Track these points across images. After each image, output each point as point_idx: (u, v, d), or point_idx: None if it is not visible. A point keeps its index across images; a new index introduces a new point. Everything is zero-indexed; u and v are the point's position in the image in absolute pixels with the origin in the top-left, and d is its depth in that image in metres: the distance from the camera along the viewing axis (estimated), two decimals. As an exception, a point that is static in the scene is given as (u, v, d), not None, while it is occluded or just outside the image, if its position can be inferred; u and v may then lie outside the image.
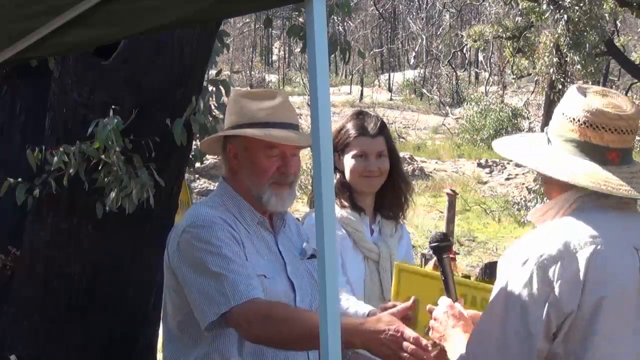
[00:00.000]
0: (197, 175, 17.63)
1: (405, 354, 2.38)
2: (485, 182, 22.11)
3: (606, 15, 19.27)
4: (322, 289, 2.02)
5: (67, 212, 4.54)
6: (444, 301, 2.49)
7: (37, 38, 2.63)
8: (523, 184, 20.34)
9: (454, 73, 40.55)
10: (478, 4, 35.18)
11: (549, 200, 2.34)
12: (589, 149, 2.24)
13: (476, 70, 45.54)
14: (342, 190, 3.40)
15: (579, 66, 17.74)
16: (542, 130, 2.44)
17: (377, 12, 45.44)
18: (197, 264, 2.67)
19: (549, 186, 2.34)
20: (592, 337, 2.13)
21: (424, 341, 2.39)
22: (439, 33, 45.33)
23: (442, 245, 2.60)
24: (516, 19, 23.13)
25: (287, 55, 48.06)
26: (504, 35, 23.94)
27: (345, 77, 45.22)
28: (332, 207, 2.06)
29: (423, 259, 4.16)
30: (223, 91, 4.79)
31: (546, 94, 21.46)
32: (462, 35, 36.25)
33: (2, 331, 4.72)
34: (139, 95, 4.42)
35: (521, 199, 18.38)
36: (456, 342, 2.32)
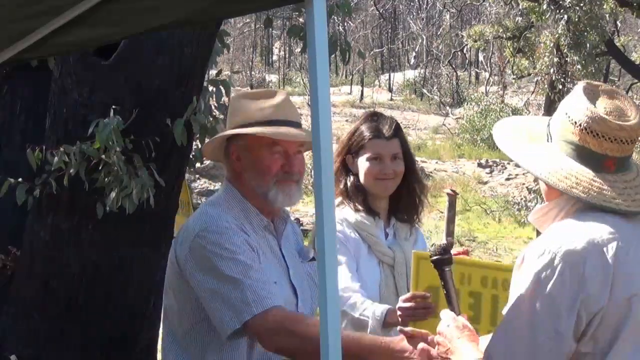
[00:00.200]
0: (197, 175, 17.62)
1: None
2: (486, 182, 22.13)
3: (606, 15, 19.27)
4: (322, 290, 2.02)
5: (67, 212, 4.54)
6: (446, 314, 2.43)
7: (38, 38, 2.62)
8: (523, 184, 20.35)
9: (454, 73, 40.56)
10: (478, 4, 35.16)
11: (548, 201, 2.33)
12: (586, 154, 2.22)
13: (476, 70, 45.53)
14: (356, 194, 3.34)
15: (579, 66, 17.73)
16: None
17: (377, 12, 45.43)
18: (214, 271, 2.59)
19: (548, 187, 2.33)
20: (623, 335, 2.12)
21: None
22: (439, 33, 45.31)
23: (444, 258, 2.53)
24: (516, 19, 23.11)
25: (287, 55, 48.06)
26: (504, 35, 23.91)
27: (346, 77, 45.21)
28: (332, 207, 2.05)
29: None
30: (223, 91, 4.79)
31: (546, 94, 21.43)
32: (462, 35, 36.24)
33: (2, 331, 4.72)
34: (139, 95, 4.42)
35: (521, 199, 18.40)
36: (463, 352, 2.29)
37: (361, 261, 3.28)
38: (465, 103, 32.10)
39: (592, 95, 2.27)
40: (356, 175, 3.36)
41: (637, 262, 2.16)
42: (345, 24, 37.51)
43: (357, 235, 3.30)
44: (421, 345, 2.47)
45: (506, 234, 16.70)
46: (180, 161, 4.69)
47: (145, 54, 4.44)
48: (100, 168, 4.32)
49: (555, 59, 18.99)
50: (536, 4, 18.51)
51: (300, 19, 5.64)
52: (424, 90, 40.02)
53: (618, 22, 26.61)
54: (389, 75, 44.17)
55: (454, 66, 41.49)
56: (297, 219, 17.58)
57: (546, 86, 20.83)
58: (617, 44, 22.37)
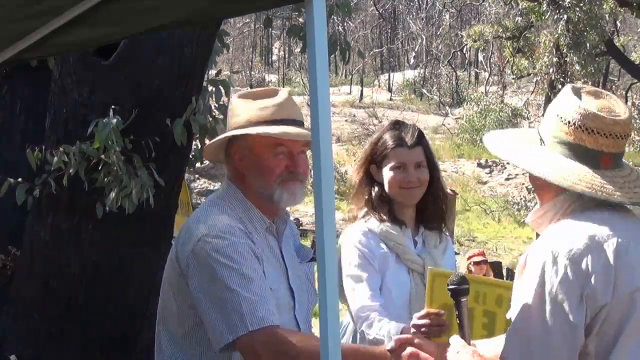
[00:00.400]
0: (197, 175, 17.64)
1: None
2: (485, 182, 22.15)
3: (606, 15, 19.30)
4: (322, 290, 2.02)
5: (67, 212, 4.54)
6: (456, 341, 2.43)
7: (38, 38, 2.62)
8: (523, 184, 20.37)
9: (454, 73, 40.62)
10: (478, 4, 35.19)
11: (542, 202, 2.34)
12: (582, 152, 2.24)
13: (476, 70, 45.56)
14: (382, 204, 3.32)
15: (578, 66, 17.76)
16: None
17: (377, 12, 45.47)
18: (215, 278, 2.53)
19: (543, 189, 2.34)
20: (626, 331, 2.13)
21: None
22: (439, 33, 45.34)
23: (461, 289, 2.52)
24: (516, 19, 23.14)
25: (287, 55, 48.08)
26: (504, 35, 23.94)
27: (345, 77, 45.25)
28: (332, 207, 2.04)
29: None
30: (223, 91, 4.79)
31: (546, 94, 21.45)
32: (462, 35, 36.26)
33: (2, 331, 4.72)
34: (139, 95, 4.43)
35: (521, 199, 18.43)
36: None
37: (389, 272, 3.25)
38: (465, 103, 32.14)
39: (579, 95, 2.29)
40: (381, 185, 3.34)
41: (638, 257, 2.17)
42: (345, 24, 37.55)
43: (384, 246, 3.27)
44: (409, 349, 2.47)
45: (506, 233, 16.73)
46: (180, 161, 4.69)
47: (145, 54, 4.44)
48: (100, 168, 4.32)
49: (555, 59, 19.02)
50: (536, 4, 18.53)
51: (300, 19, 5.65)
52: (424, 90, 40.06)
53: (618, 22, 26.65)
54: (389, 75, 44.22)
55: (453, 66, 41.55)
56: (297, 219, 17.59)
57: (546, 86, 20.86)
58: (617, 44, 22.39)
